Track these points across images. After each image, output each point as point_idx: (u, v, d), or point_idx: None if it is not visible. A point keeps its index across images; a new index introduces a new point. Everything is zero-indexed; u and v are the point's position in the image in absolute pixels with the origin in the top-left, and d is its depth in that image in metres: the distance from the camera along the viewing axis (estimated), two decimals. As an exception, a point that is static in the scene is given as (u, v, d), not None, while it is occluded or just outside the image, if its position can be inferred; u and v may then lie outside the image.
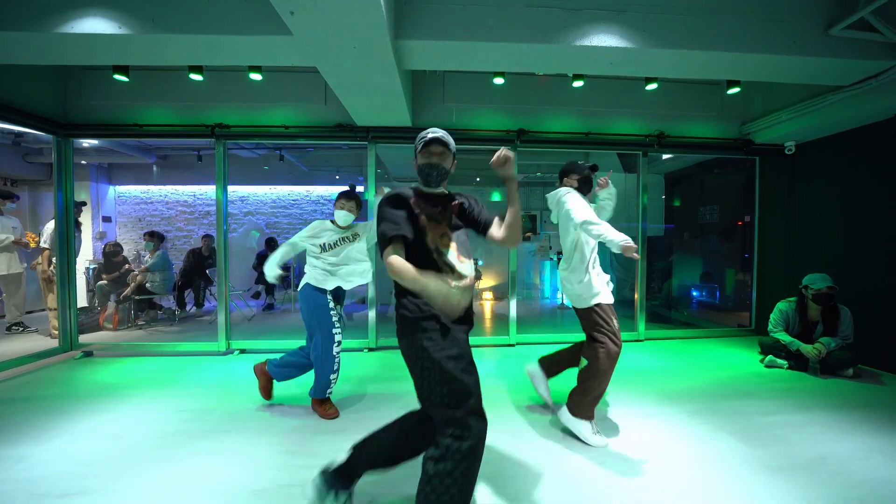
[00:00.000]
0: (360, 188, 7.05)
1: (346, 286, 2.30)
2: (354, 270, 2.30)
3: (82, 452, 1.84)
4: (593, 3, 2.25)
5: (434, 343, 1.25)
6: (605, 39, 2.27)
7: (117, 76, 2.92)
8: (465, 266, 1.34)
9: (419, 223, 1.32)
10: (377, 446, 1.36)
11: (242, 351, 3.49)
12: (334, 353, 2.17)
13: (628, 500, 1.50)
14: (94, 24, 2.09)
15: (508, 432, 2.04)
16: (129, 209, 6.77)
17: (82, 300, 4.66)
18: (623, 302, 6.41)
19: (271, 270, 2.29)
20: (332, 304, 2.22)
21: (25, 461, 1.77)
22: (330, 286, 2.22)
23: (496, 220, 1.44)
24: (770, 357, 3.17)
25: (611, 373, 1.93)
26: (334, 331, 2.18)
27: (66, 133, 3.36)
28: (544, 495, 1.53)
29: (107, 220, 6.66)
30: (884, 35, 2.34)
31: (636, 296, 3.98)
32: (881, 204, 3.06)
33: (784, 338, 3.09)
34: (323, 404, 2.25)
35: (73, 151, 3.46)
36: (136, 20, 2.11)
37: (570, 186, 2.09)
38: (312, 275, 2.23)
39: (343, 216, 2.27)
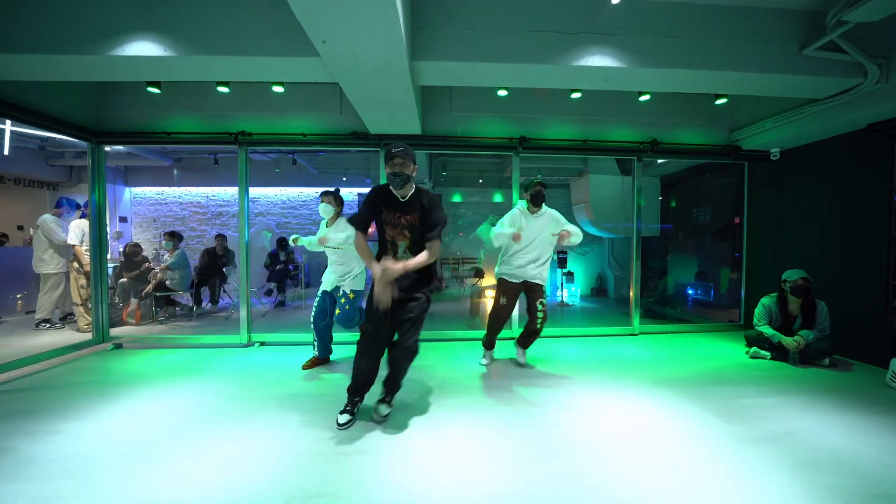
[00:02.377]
0: (367, 189, 7.30)
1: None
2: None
3: (134, 427, 2.09)
4: (588, 27, 2.50)
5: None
6: (598, 60, 2.52)
7: (150, 89, 3.17)
8: (406, 255, 2.05)
9: (383, 224, 2.04)
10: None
11: (262, 343, 3.74)
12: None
13: (617, 464, 1.75)
14: (144, 48, 2.34)
15: (516, 410, 2.28)
16: (144, 210, 7.03)
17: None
18: (619, 300, 6.69)
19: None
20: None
21: (87, 434, 2.01)
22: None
23: (428, 239, 2.02)
24: (754, 349, 3.41)
25: None
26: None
27: (99, 140, 3.61)
28: (542, 456, 1.78)
29: (123, 220, 6.92)
30: (850, 55, 2.59)
31: (631, 293, 4.22)
32: (857, 207, 3.31)
33: (767, 330, 3.33)
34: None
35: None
36: (179, 43, 2.36)
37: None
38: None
39: (323, 208, 2.91)
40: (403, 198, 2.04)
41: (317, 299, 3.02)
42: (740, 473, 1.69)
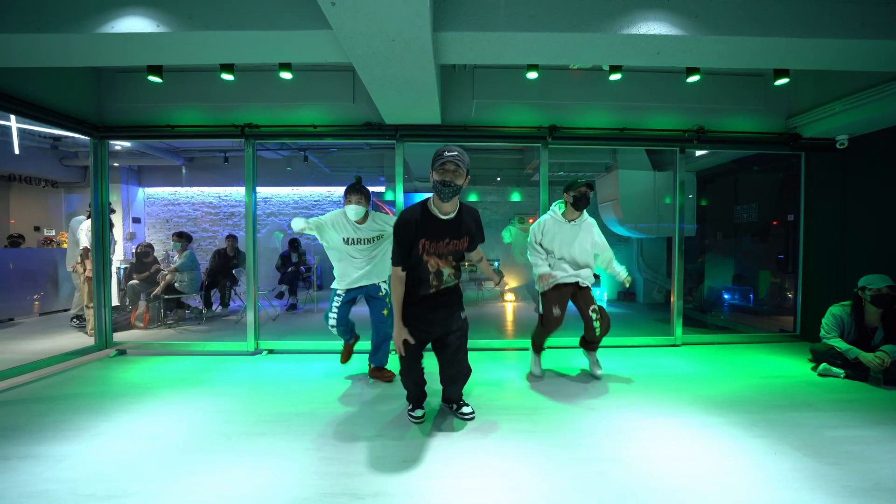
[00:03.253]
0: (381, 188, 7.05)
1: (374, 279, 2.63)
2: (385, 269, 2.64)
3: (122, 452, 1.83)
4: (641, -12, 2.13)
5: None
6: (652, 27, 2.15)
7: (151, 77, 2.94)
8: (449, 281, 1.90)
9: (422, 255, 1.76)
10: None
11: (271, 351, 3.48)
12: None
13: (697, 522, 1.38)
14: (134, 24, 2.10)
15: (560, 440, 1.93)
16: (157, 210, 6.95)
17: (114, 299, 4.80)
18: (650, 305, 6.21)
19: (297, 223, 2.42)
20: (339, 292, 2.57)
21: (67, 460, 1.76)
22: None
23: (475, 250, 2.08)
24: (824, 365, 2.96)
25: None
26: (330, 315, 2.59)
27: (101, 135, 3.42)
28: (603, 513, 1.42)
29: (136, 221, 6.85)
30: (965, 15, 2.14)
31: (672, 299, 3.79)
32: (950, 201, 2.83)
33: (840, 345, 2.88)
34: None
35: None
36: (173, 18, 2.11)
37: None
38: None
39: (354, 211, 2.42)
40: (447, 215, 1.78)
41: (340, 302, 2.56)
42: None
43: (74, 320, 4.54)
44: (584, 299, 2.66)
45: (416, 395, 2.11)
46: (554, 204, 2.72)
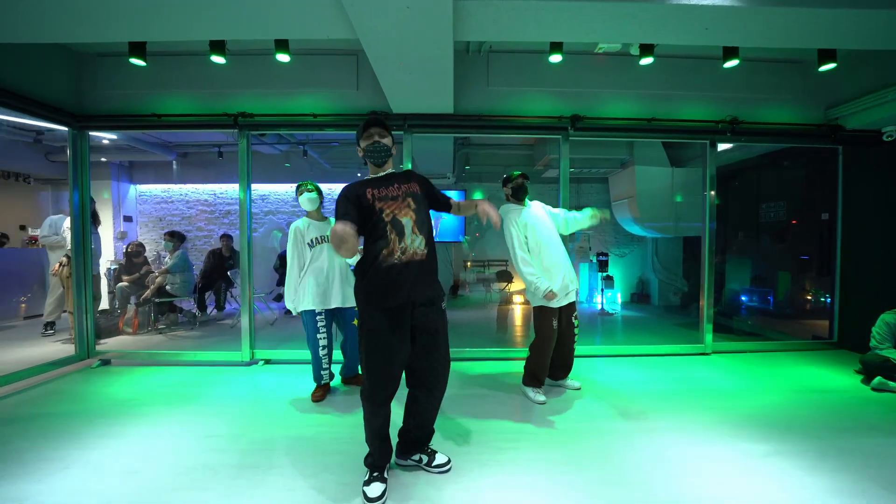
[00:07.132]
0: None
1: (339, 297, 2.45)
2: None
3: (91, 492, 1.55)
4: (694, -50, 1.85)
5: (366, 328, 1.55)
6: (705, -4, 1.87)
7: (133, 59, 2.65)
8: (415, 239, 1.54)
9: (373, 205, 1.52)
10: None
11: (267, 361, 3.20)
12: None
13: None
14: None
15: (594, 474, 1.65)
16: (149, 208, 6.64)
17: (104, 303, 4.51)
18: (666, 307, 5.95)
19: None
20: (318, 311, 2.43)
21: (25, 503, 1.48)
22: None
23: (452, 201, 1.80)
24: (879, 379, 2.68)
25: None
26: (318, 335, 2.44)
27: (81, 125, 3.14)
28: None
29: (128, 219, 6.54)
30: None
31: (702, 303, 3.51)
32: None
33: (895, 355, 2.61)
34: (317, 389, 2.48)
35: (93, 149, 3.27)
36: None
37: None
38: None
39: (306, 200, 2.42)
40: (384, 171, 1.65)
41: (323, 322, 2.44)
42: None
43: (47, 328, 4.14)
44: (569, 308, 2.49)
45: (380, 448, 1.60)
46: (506, 203, 2.52)
